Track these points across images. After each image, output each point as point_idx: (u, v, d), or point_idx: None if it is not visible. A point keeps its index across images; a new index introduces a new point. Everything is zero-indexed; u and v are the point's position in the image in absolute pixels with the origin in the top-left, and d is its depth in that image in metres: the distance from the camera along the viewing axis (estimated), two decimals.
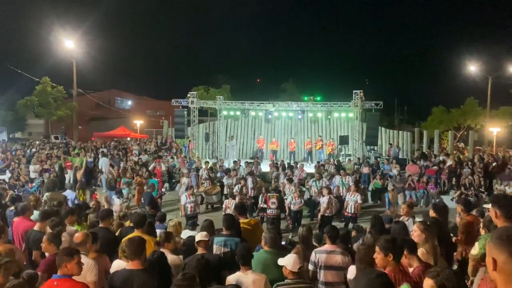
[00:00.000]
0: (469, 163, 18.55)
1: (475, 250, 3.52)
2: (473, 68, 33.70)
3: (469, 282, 4.09)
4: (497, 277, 1.67)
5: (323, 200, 11.64)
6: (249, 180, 14.12)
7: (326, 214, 11.45)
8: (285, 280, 4.30)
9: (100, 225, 6.00)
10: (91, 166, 18.63)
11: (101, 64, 40.87)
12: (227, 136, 24.52)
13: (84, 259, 3.98)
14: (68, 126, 34.56)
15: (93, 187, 17.14)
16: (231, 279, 4.24)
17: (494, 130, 30.89)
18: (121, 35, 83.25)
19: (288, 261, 4.20)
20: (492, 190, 15.60)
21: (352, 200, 11.90)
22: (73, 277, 3.58)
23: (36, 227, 5.65)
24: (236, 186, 13.44)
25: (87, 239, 4.49)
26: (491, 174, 17.05)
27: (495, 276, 1.69)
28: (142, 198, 12.25)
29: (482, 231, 4.51)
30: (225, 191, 14.42)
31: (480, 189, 15.68)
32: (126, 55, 78.18)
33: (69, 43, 30.14)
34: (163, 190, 15.58)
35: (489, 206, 3.71)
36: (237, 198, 11.52)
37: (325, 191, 11.81)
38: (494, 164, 18.13)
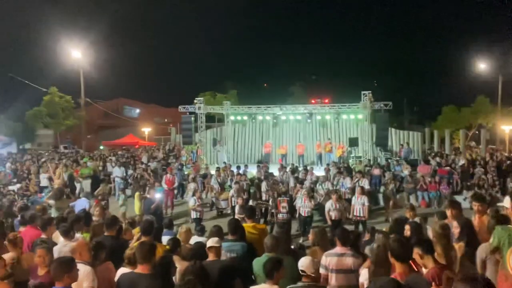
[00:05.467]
0: (482, 162, 18.26)
1: (491, 239, 3.38)
2: (483, 66, 33.32)
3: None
4: None
5: (328, 204, 11.41)
6: (263, 184, 13.97)
7: (332, 218, 11.21)
8: (297, 283, 4.23)
9: (106, 233, 5.91)
10: (99, 175, 18.66)
11: (109, 73, 41.30)
12: (234, 141, 24.47)
13: (81, 266, 3.98)
14: (76, 135, 34.82)
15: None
16: None
17: (507, 128, 30.42)
18: (127, 44, 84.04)
19: (303, 263, 4.16)
20: (506, 189, 15.28)
21: (359, 203, 11.65)
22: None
23: (43, 235, 5.62)
24: (231, 191, 13.50)
25: (81, 247, 4.43)
26: (504, 173, 16.73)
27: None
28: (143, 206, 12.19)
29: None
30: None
31: (494, 188, 15.39)
32: (133, 64, 78.85)
33: (76, 53, 30.45)
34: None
35: (503, 204, 3.56)
36: (239, 201, 11.53)
37: (331, 195, 11.61)
38: (508, 162, 17.81)
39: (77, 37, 32.27)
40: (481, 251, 4.29)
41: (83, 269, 4.08)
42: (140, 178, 16.64)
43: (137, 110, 52.63)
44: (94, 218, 7.87)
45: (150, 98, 55.49)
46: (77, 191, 16.14)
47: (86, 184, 16.99)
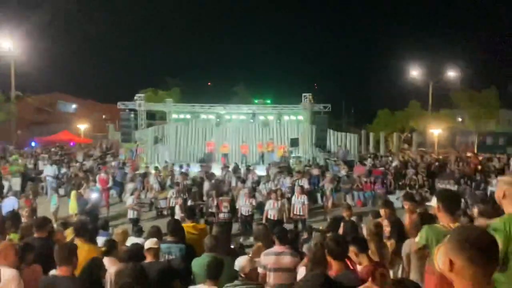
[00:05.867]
0: (413, 163, 19.34)
1: (417, 238, 3.60)
2: (415, 72, 35.31)
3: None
4: (454, 279, 1.64)
5: (267, 204, 11.50)
6: (205, 184, 13.83)
7: (271, 218, 11.28)
8: (234, 282, 4.25)
9: (36, 234, 5.57)
10: (31, 173, 17.62)
11: (43, 65, 38.76)
12: (177, 140, 24.09)
13: (5, 270, 3.81)
14: (6, 131, 32.60)
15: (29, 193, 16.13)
16: None
17: (436, 131, 32.47)
18: (64, 36, 79.91)
19: (238, 263, 4.20)
20: (435, 189, 16.30)
21: (299, 202, 11.89)
22: None
23: None
24: (171, 191, 13.18)
25: (6, 250, 4.16)
26: (433, 174, 17.83)
27: (451, 277, 1.65)
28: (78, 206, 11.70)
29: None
30: None
31: (424, 188, 16.35)
32: (70, 57, 75.28)
33: (6, 43, 28.42)
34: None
35: (431, 203, 3.80)
36: (178, 201, 11.41)
37: (273, 195, 11.70)
38: (436, 164, 19.02)
39: (8, 26, 30.17)
40: (406, 247, 4.57)
41: (8, 273, 3.86)
42: (74, 177, 15.90)
43: (73, 106, 50.22)
44: (23, 219, 7.43)
45: (87, 93, 53.13)
46: (5, 190, 15.12)
47: (15, 182, 15.98)
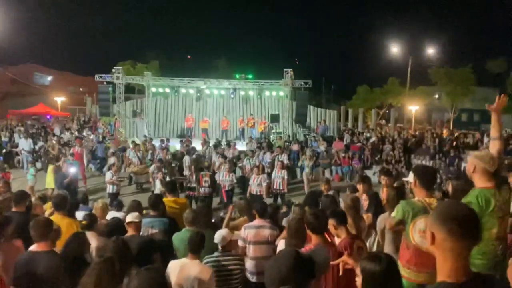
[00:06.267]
0: (390, 139, 19.67)
1: (394, 213, 3.72)
2: (395, 49, 35.46)
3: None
4: (435, 251, 1.70)
5: (254, 178, 11.68)
6: (186, 159, 13.81)
7: (255, 193, 11.48)
8: (214, 253, 4.44)
9: (14, 209, 5.51)
10: (6, 147, 17.24)
11: (18, 36, 37.46)
12: (156, 114, 23.83)
13: None
14: None
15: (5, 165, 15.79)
16: (174, 265, 4.03)
17: (413, 108, 32.97)
18: (40, 5, 76.94)
19: (217, 236, 4.40)
20: (411, 165, 16.68)
21: (279, 176, 12.09)
22: None
23: None
24: (153, 166, 13.12)
25: None
26: (410, 150, 18.21)
27: (433, 250, 1.72)
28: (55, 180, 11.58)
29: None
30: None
31: (400, 164, 16.72)
32: (46, 28, 72.74)
33: None
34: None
35: (407, 179, 3.90)
36: (159, 176, 11.47)
37: (256, 170, 11.88)
38: (413, 140, 19.39)
39: None
40: (381, 221, 4.73)
41: None
42: (51, 151, 15.63)
43: (49, 78, 48.78)
44: None
45: (64, 65, 51.82)
46: None
47: None
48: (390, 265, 2.16)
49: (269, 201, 10.35)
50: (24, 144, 16.60)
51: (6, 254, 3.99)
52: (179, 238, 4.74)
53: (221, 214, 10.34)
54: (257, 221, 5.14)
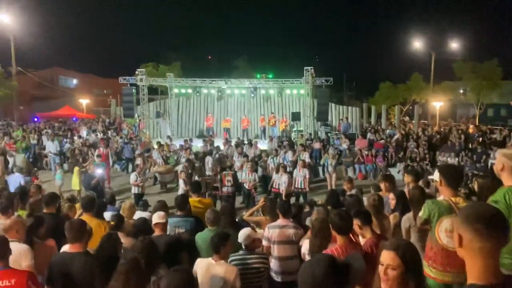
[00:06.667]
0: (415, 136, 19.39)
1: (420, 212, 3.69)
2: (417, 44, 34.86)
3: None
4: (464, 253, 1.70)
5: (284, 179, 11.63)
6: (209, 158, 13.95)
7: (280, 191, 11.47)
8: (239, 251, 4.50)
9: (45, 210, 5.69)
10: (35, 149, 17.74)
11: (43, 40, 38.39)
12: (178, 114, 24.13)
13: (16, 245, 3.82)
14: (7, 106, 32.54)
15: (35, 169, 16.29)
16: (200, 264, 4.10)
17: (437, 104, 32.35)
18: (64, 10, 78.68)
19: (241, 235, 4.47)
20: (436, 162, 16.41)
21: (301, 175, 12.08)
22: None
23: None
24: (180, 166, 13.26)
25: (17, 225, 4.24)
26: (434, 147, 17.91)
27: (461, 251, 1.71)
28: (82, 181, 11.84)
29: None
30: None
31: (425, 161, 16.46)
32: (70, 31, 74.34)
33: (6, 17, 27.98)
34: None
35: (433, 177, 3.87)
36: (182, 176, 11.51)
37: (282, 169, 11.84)
38: (437, 137, 19.06)
39: (7, 0, 29.61)
40: (405, 220, 4.70)
41: (20, 248, 3.90)
42: (77, 153, 16.01)
43: (74, 81, 49.91)
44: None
45: (88, 68, 52.72)
46: (9, 166, 15.27)
47: (19, 158, 16.09)
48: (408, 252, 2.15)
49: (291, 200, 10.37)
50: (51, 147, 17.01)
51: (39, 254, 4.11)
52: (201, 237, 4.82)
53: (244, 213, 10.44)
54: (281, 221, 5.16)
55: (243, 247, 4.53)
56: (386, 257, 2.13)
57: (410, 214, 4.61)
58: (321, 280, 1.85)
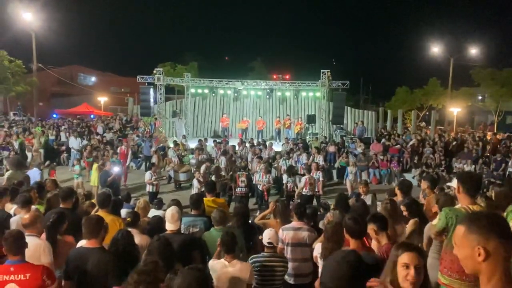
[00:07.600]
0: (431, 142, 19.15)
1: (436, 221, 3.65)
2: (436, 49, 34.44)
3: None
4: (485, 267, 1.64)
5: (302, 179, 11.59)
6: (222, 160, 14.01)
7: (303, 193, 11.40)
8: (261, 253, 4.52)
9: (61, 205, 5.77)
10: (53, 144, 18.03)
11: (63, 38, 38.92)
12: (194, 114, 24.27)
13: (35, 240, 3.88)
14: (28, 102, 33.15)
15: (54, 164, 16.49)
16: (214, 265, 4.09)
17: (455, 110, 31.91)
18: (84, 8, 79.85)
19: (270, 235, 4.50)
20: (452, 169, 16.18)
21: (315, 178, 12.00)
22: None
23: None
24: (203, 166, 13.28)
25: (36, 219, 4.30)
26: (451, 153, 17.66)
27: (481, 267, 1.64)
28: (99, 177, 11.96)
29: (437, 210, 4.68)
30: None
31: (440, 168, 16.25)
32: (90, 30, 75.39)
33: (27, 15, 28.52)
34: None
35: (451, 184, 3.83)
36: (196, 175, 11.55)
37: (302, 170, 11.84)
38: (454, 143, 18.79)
39: None
40: (428, 228, 4.63)
41: (39, 243, 3.95)
42: (95, 150, 16.22)
43: (93, 78, 50.64)
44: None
45: (106, 66, 53.47)
46: (28, 161, 15.55)
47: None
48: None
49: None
50: (73, 143, 17.24)
51: (60, 251, 4.18)
52: (207, 237, 4.86)
53: (257, 214, 10.44)
54: (295, 223, 5.16)
55: (266, 248, 4.54)
56: (412, 258, 2.16)
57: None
58: (343, 275, 1.91)
